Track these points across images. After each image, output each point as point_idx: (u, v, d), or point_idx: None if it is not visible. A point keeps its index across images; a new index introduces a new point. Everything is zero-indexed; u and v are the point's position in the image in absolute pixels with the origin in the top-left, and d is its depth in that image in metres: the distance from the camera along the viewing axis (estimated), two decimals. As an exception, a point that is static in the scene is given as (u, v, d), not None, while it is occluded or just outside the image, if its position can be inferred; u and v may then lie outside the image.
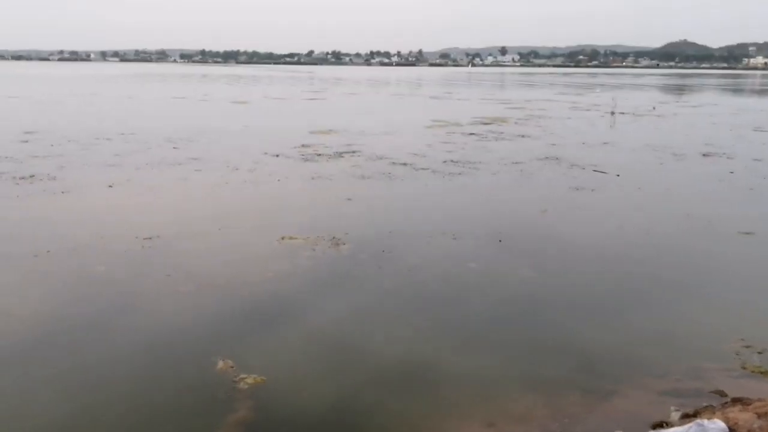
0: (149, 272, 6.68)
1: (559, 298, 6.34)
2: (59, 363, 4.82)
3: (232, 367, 4.70)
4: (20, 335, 5.25)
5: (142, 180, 11.44)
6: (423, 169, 13.03)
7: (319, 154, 14.69)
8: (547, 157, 14.74)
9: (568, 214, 9.61)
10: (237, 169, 12.56)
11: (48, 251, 7.20)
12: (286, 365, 4.85)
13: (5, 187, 10.53)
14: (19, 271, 6.64)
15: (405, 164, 13.54)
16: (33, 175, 11.49)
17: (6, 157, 13.43)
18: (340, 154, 14.75)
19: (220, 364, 4.73)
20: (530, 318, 5.87)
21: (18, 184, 10.79)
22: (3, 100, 33.44)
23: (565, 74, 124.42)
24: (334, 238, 7.89)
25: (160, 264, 6.90)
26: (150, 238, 7.72)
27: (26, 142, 16.00)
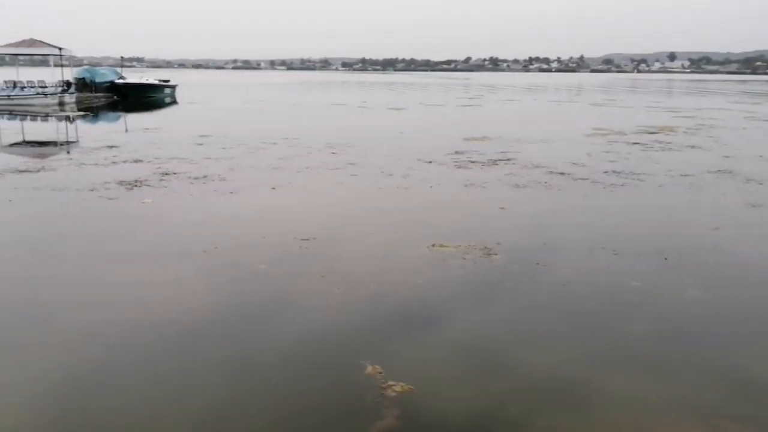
0: (305, 272, 6.91)
1: (729, 322, 5.80)
2: (218, 352, 5.09)
3: (380, 372, 4.72)
4: (185, 324, 5.62)
5: (302, 183, 11.94)
6: (582, 179, 12.52)
7: (473, 161, 14.57)
8: (719, 170, 13.63)
9: (744, 233, 8.80)
10: (391, 175, 12.76)
11: (216, 247, 7.68)
12: (434, 375, 4.80)
13: (182, 186, 11.42)
14: (190, 265, 7.13)
15: (562, 173, 13.09)
16: (206, 176, 12.37)
17: (184, 159, 14.58)
18: (494, 162, 14.55)
19: (369, 368, 4.77)
20: (696, 341, 5.41)
21: (192, 183, 11.66)
22: (184, 105, 36.52)
23: (740, 81, 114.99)
24: (485, 247, 7.75)
25: (315, 265, 7.13)
26: (307, 240, 8.01)
27: (201, 144, 17.30)
